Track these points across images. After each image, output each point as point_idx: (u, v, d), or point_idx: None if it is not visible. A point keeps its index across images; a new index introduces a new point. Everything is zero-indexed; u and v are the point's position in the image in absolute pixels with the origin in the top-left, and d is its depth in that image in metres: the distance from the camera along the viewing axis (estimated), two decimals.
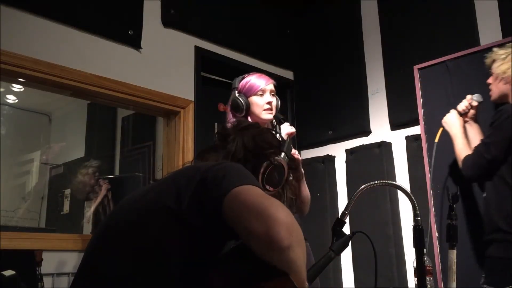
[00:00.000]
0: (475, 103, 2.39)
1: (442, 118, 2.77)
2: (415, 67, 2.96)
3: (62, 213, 4.39)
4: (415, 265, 1.64)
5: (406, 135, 3.11)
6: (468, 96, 2.41)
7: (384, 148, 3.19)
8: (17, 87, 4.33)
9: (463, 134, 2.33)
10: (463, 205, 2.55)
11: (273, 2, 3.77)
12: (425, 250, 1.56)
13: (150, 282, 0.96)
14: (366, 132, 3.35)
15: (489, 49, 2.68)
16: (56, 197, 4.51)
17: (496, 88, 2.29)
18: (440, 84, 2.83)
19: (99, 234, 1.11)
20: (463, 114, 2.40)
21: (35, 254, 2.27)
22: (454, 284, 2.17)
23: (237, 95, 2.14)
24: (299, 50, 3.87)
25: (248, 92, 2.14)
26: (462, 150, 2.28)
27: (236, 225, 0.94)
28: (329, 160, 3.49)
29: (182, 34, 3.19)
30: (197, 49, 3.24)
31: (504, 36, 2.70)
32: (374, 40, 3.40)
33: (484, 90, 2.67)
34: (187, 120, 3.09)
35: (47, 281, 2.34)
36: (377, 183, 2.30)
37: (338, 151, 3.46)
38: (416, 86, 2.94)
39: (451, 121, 2.40)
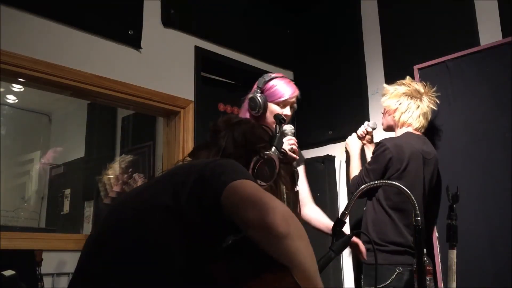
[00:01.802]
0: (370, 129, 2.74)
1: (442, 118, 2.78)
2: (415, 67, 2.96)
3: (62, 213, 4.39)
4: (415, 265, 1.64)
5: None
6: (366, 123, 2.77)
7: None
8: (17, 87, 4.33)
9: (359, 156, 2.70)
10: None
11: (273, 2, 3.78)
12: (425, 250, 1.56)
13: (150, 279, 0.96)
14: None
15: (489, 49, 2.69)
16: (56, 197, 4.51)
17: (385, 121, 2.67)
18: (440, 84, 2.83)
19: (98, 233, 1.11)
20: (361, 138, 2.75)
21: (35, 254, 2.27)
22: (454, 284, 2.17)
23: (258, 95, 2.05)
24: (299, 50, 3.87)
25: (270, 97, 2.05)
26: (354, 170, 2.64)
27: (235, 217, 0.95)
28: (329, 160, 3.49)
29: (182, 34, 3.19)
30: (197, 49, 3.24)
31: (504, 36, 2.70)
32: (374, 40, 3.40)
33: (484, 90, 2.68)
34: (187, 120, 3.09)
35: (47, 281, 2.34)
36: (377, 183, 2.31)
37: (338, 151, 3.46)
38: None
39: (351, 143, 2.76)
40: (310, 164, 3.55)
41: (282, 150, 1.34)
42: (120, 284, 0.97)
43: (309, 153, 3.65)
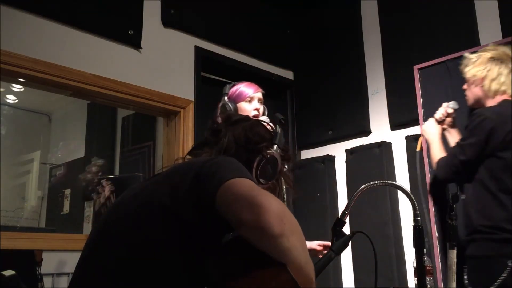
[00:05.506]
0: (450, 111, 2.41)
1: None
2: (415, 67, 2.96)
3: (62, 213, 4.39)
4: (415, 265, 1.64)
5: (406, 135, 3.11)
6: (444, 104, 2.43)
7: (384, 148, 3.19)
8: (17, 87, 4.32)
9: (439, 140, 2.37)
10: None
11: (273, 2, 3.78)
12: (425, 250, 1.56)
13: (149, 278, 0.96)
14: (366, 132, 3.35)
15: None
16: (56, 197, 4.51)
17: (470, 93, 2.33)
18: (440, 84, 2.83)
19: (98, 232, 1.11)
20: (440, 122, 2.43)
21: (35, 254, 2.27)
22: (454, 284, 2.17)
23: (226, 100, 2.20)
24: (299, 50, 3.87)
25: (237, 99, 2.20)
26: (437, 153, 2.31)
27: (229, 217, 0.95)
28: (329, 160, 3.49)
29: (182, 34, 3.19)
30: (197, 49, 3.24)
31: (504, 36, 2.70)
32: (374, 40, 3.40)
33: None
34: (187, 120, 3.09)
35: (47, 281, 2.34)
36: (377, 183, 2.30)
37: (338, 151, 3.46)
38: (416, 86, 2.94)
39: (429, 128, 2.44)
40: (310, 164, 3.56)
41: (283, 147, 1.35)
42: (119, 283, 0.97)
43: (309, 153, 3.66)
